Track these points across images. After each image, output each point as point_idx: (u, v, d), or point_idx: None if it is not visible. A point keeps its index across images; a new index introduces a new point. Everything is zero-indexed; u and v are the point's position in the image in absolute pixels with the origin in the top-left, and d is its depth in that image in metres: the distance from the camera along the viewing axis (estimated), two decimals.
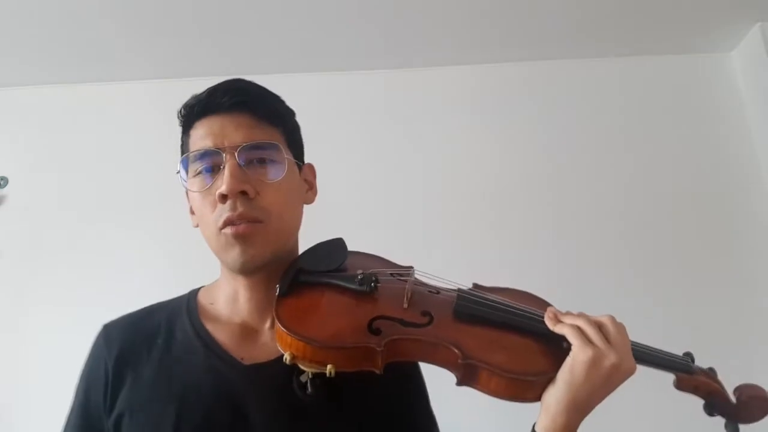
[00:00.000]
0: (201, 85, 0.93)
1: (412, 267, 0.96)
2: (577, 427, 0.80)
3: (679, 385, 0.91)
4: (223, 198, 0.84)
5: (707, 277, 2.16)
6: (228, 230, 0.84)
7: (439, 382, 0.93)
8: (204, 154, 0.87)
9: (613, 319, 0.83)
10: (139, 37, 2.09)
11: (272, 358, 0.86)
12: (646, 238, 2.19)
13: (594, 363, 0.78)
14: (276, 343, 0.83)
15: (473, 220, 2.19)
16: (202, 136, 0.88)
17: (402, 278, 0.93)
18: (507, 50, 2.30)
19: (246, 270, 0.88)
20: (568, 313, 0.85)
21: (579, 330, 0.81)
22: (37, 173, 2.20)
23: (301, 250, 0.96)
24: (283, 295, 0.86)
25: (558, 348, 0.82)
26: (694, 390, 0.91)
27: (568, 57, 2.34)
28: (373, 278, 0.87)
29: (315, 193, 1.01)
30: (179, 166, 0.92)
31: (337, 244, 0.95)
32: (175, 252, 1.97)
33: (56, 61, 2.17)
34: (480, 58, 2.32)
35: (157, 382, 0.87)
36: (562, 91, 2.34)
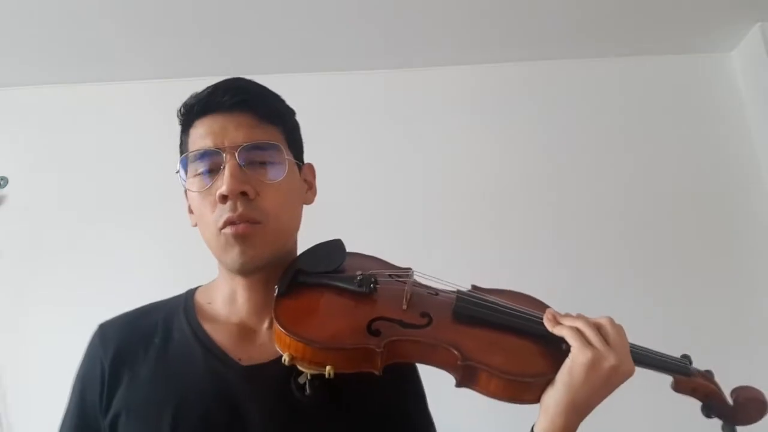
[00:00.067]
0: (201, 85, 0.93)
1: (410, 268, 0.96)
2: (575, 428, 0.80)
3: (677, 387, 0.91)
4: (224, 198, 0.84)
5: (707, 277, 2.16)
6: (228, 230, 0.84)
7: (438, 383, 0.93)
8: (204, 154, 0.87)
9: (611, 320, 0.83)
10: (139, 37, 2.08)
11: (270, 358, 0.86)
12: (646, 238, 2.19)
13: (593, 365, 0.78)
14: (274, 343, 0.82)
15: (473, 220, 2.19)
16: (202, 135, 0.88)
17: (401, 279, 0.93)
18: (507, 50, 2.30)
19: (245, 270, 0.88)
20: (566, 315, 0.85)
21: (578, 332, 0.80)
22: (37, 173, 2.20)
23: (300, 250, 0.96)
24: (281, 295, 0.86)
25: (557, 350, 0.82)
26: (692, 392, 0.91)
27: (568, 57, 2.34)
28: (373, 279, 0.87)
29: (314, 194, 1.01)
30: (178, 166, 0.92)
31: (336, 245, 0.95)
32: (175, 252, 1.97)
33: (56, 61, 2.17)
34: (480, 58, 2.32)
35: (154, 382, 0.86)
36: (562, 91, 2.34)
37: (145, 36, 2.08)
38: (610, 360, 0.78)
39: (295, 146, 0.96)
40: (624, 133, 2.30)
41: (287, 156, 0.90)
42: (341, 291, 0.87)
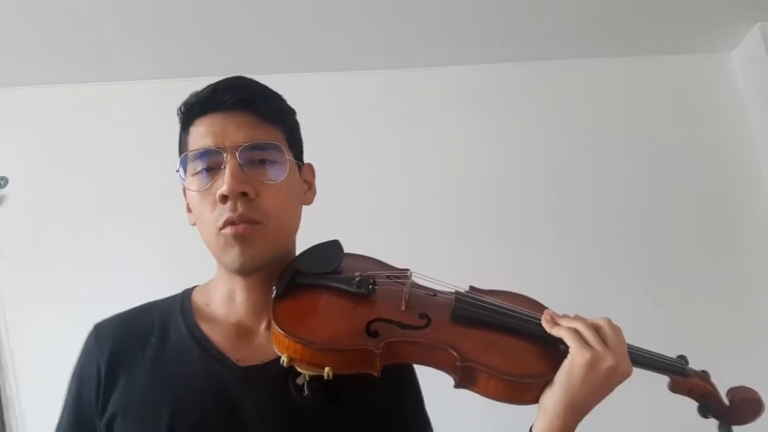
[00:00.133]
0: (201, 85, 0.93)
1: (408, 269, 0.96)
2: (573, 428, 0.80)
3: (674, 388, 0.92)
4: (224, 198, 0.83)
5: (707, 277, 2.16)
6: (228, 230, 0.84)
7: (437, 384, 0.93)
8: (204, 153, 0.86)
9: (609, 321, 0.83)
10: (139, 37, 2.08)
11: (268, 359, 0.86)
12: (646, 238, 2.19)
13: (592, 365, 0.78)
14: (272, 344, 0.82)
15: (473, 220, 2.19)
16: (202, 134, 0.87)
17: (399, 281, 0.93)
18: (507, 50, 2.30)
19: (244, 270, 0.88)
20: (564, 316, 0.85)
21: (576, 333, 0.81)
22: (37, 173, 2.20)
23: (299, 250, 0.95)
24: (279, 297, 0.85)
25: (555, 350, 0.82)
26: (688, 392, 0.92)
27: (568, 57, 2.34)
28: (371, 281, 0.87)
29: (314, 194, 1.01)
30: (178, 165, 0.91)
31: (334, 246, 0.94)
32: (175, 252, 1.97)
33: (56, 61, 2.16)
34: (480, 58, 2.32)
35: (151, 382, 0.86)
36: (562, 91, 2.34)
37: (145, 36, 2.08)
38: (608, 361, 0.78)
39: (296, 146, 0.96)
40: (624, 133, 2.30)
41: (288, 156, 0.90)
42: (340, 292, 0.87)
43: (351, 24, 2.10)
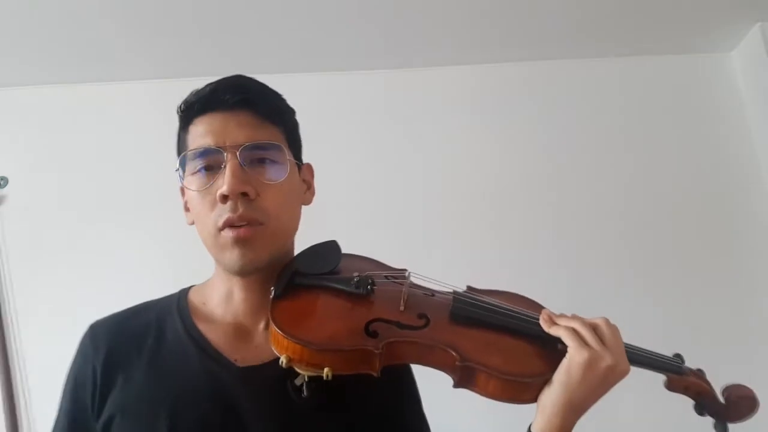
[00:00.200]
0: (201, 85, 0.92)
1: (406, 269, 0.96)
2: (572, 427, 0.80)
3: (670, 386, 0.92)
4: (224, 198, 0.83)
5: (707, 277, 2.16)
6: (228, 233, 0.83)
7: (435, 384, 0.93)
8: (204, 152, 0.86)
9: (607, 321, 0.83)
10: (139, 37, 2.09)
11: (266, 360, 0.85)
12: (646, 238, 2.19)
13: (590, 364, 0.78)
14: (270, 345, 0.82)
15: (473, 220, 2.19)
16: (202, 133, 0.87)
17: (397, 281, 0.93)
18: (507, 50, 2.30)
19: (243, 272, 0.87)
20: (562, 315, 0.86)
21: (574, 332, 0.81)
22: (37, 173, 2.20)
23: (298, 250, 0.95)
24: (278, 297, 0.85)
25: (553, 350, 0.83)
26: (684, 390, 0.92)
27: (568, 57, 2.34)
28: (370, 281, 0.87)
29: (313, 194, 1.00)
30: (177, 164, 0.91)
31: (332, 247, 0.94)
32: (175, 252, 1.97)
33: (56, 61, 2.17)
34: (480, 58, 2.33)
35: (149, 383, 0.86)
36: (562, 91, 2.34)
37: (145, 36, 2.08)
38: (606, 360, 0.79)
39: (295, 146, 0.95)
40: (624, 133, 2.30)
41: (288, 156, 0.90)
42: (338, 292, 0.87)
43: (351, 24, 2.10)
